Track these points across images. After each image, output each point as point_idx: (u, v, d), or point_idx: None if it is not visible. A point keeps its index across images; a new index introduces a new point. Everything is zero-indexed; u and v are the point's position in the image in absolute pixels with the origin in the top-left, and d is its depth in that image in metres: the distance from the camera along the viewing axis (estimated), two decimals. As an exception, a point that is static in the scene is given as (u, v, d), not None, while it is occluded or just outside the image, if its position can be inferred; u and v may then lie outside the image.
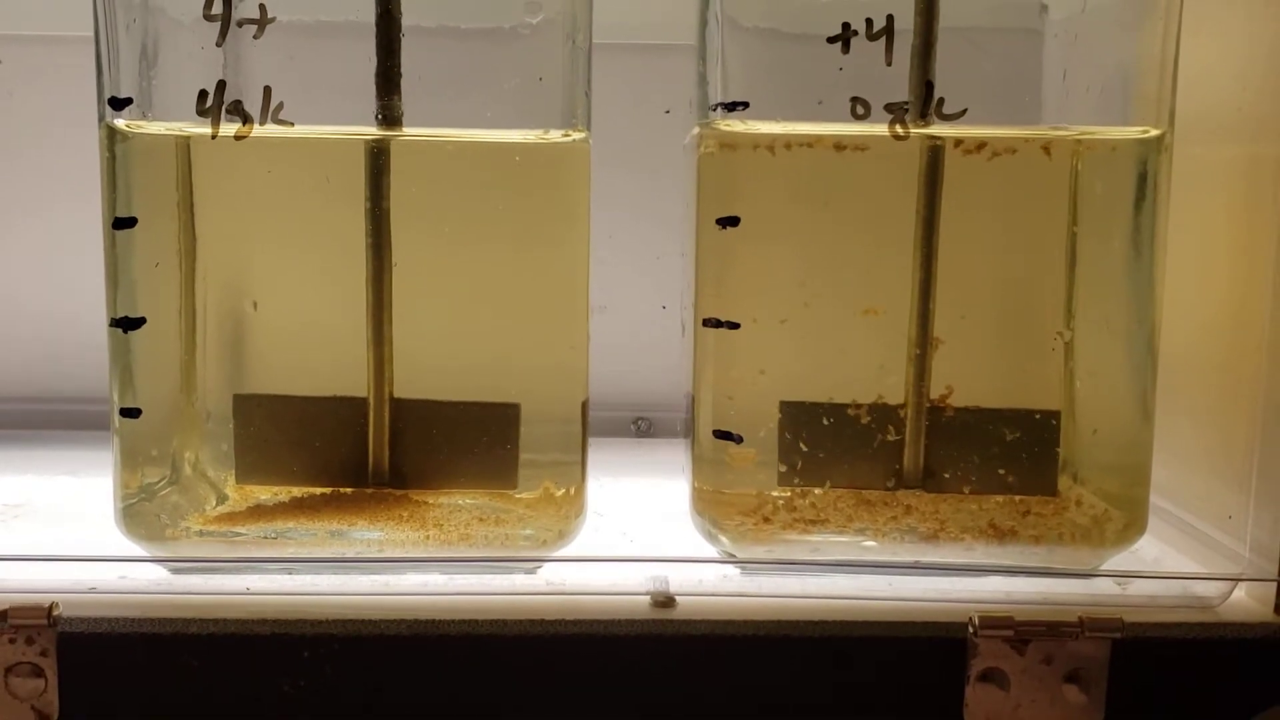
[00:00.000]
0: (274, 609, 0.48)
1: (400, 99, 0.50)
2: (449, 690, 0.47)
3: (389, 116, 0.51)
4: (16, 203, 0.75)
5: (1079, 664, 0.47)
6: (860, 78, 0.51)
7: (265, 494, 0.54)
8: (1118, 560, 0.53)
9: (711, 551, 0.53)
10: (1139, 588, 0.51)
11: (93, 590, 0.49)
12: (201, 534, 0.52)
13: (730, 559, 0.53)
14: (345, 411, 0.54)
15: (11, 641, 0.45)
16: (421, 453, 0.54)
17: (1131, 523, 0.53)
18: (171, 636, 0.46)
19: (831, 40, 0.49)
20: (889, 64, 0.50)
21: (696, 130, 0.52)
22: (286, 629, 0.47)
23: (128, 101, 0.49)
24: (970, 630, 0.47)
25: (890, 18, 0.49)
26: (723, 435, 0.52)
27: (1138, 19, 0.53)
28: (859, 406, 0.55)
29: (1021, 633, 0.47)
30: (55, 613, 0.45)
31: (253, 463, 0.54)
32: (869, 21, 0.49)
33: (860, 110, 0.50)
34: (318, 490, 0.54)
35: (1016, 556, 0.53)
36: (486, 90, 0.51)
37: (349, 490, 0.54)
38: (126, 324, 0.50)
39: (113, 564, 0.50)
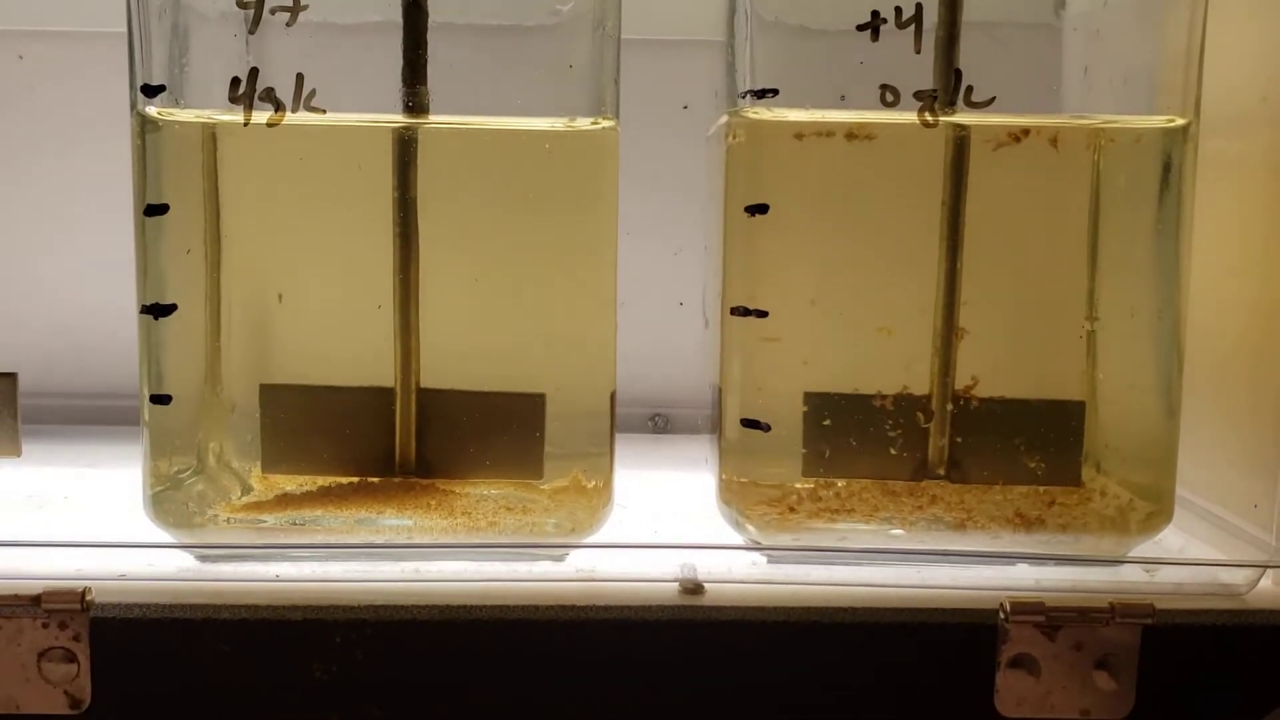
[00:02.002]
0: (304, 595, 0.48)
1: (427, 87, 0.51)
2: (480, 675, 0.47)
3: (416, 105, 0.51)
4: (40, 198, 0.76)
5: (1109, 650, 0.47)
6: (886, 66, 0.51)
7: (291, 484, 0.54)
8: (1145, 550, 0.53)
9: (739, 540, 0.53)
10: (1166, 575, 0.51)
11: (123, 577, 0.49)
12: (229, 521, 0.52)
13: (757, 546, 0.53)
14: (372, 401, 0.54)
15: (44, 626, 0.45)
16: (448, 442, 0.54)
17: (1157, 512, 0.53)
18: (203, 622, 0.46)
19: (861, 28, 0.50)
20: (918, 51, 0.50)
21: (724, 119, 0.53)
22: (318, 614, 0.47)
23: (160, 89, 0.49)
24: (1001, 616, 0.47)
25: (919, 6, 0.50)
26: (750, 424, 0.52)
27: (1163, 8, 0.53)
28: (884, 397, 0.55)
29: (1053, 618, 0.47)
30: (88, 598, 0.45)
31: (279, 452, 0.54)
32: (898, 10, 0.49)
33: (889, 98, 0.50)
34: (344, 480, 0.54)
35: (1043, 545, 0.53)
36: (516, 78, 0.51)
37: (376, 480, 0.54)
38: (157, 310, 0.50)
39: (142, 551, 0.50)
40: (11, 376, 0.58)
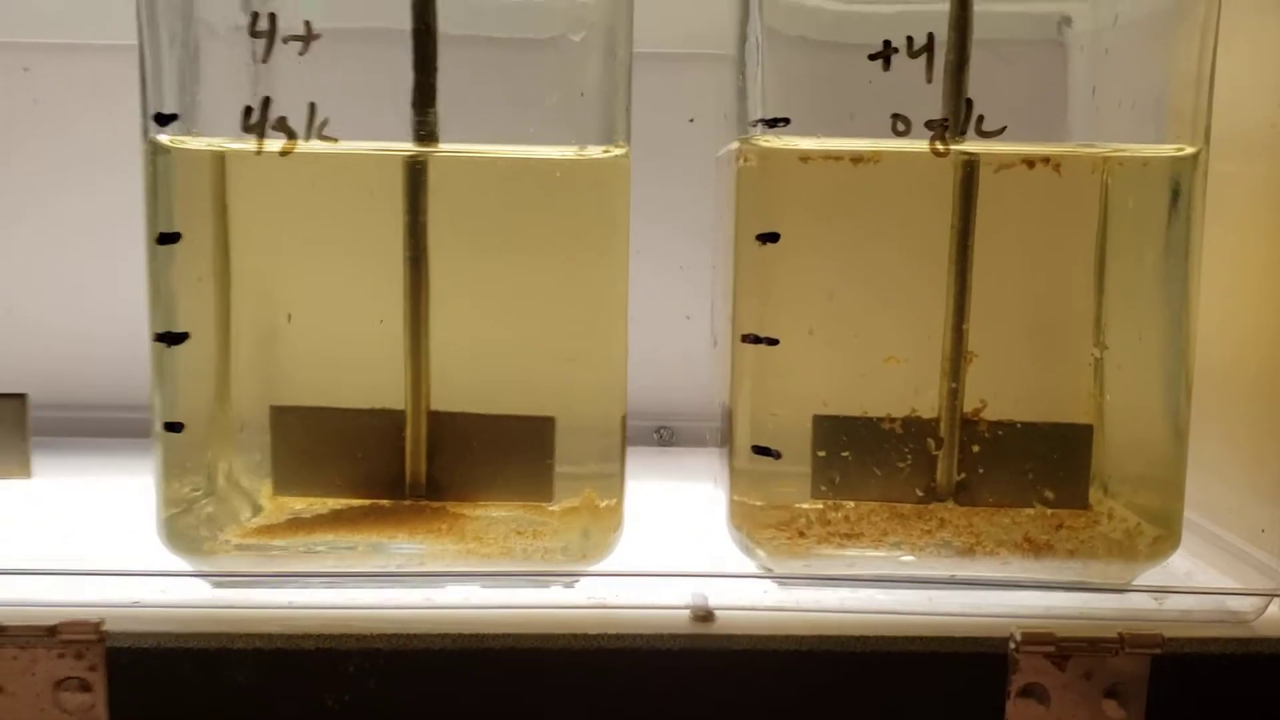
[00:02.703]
0: (318, 623, 0.48)
1: (436, 115, 0.51)
2: (493, 704, 0.48)
3: (426, 132, 0.51)
4: (44, 209, 0.76)
5: (1118, 679, 0.47)
6: (896, 92, 0.51)
7: (301, 504, 0.55)
8: (1152, 575, 0.53)
9: (749, 564, 0.53)
10: (1174, 603, 0.51)
11: (137, 604, 0.49)
12: (240, 547, 0.52)
13: (768, 573, 0.53)
14: (382, 423, 0.54)
15: (60, 656, 0.46)
16: (458, 465, 0.54)
17: (1164, 537, 0.54)
18: (217, 652, 0.47)
19: (873, 57, 0.50)
20: (929, 81, 0.50)
21: (735, 145, 0.53)
22: (331, 644, 0.47)
23: (173, 118, 0.49)
24: (1012, 646, 0.47)
25: (931, 35, 0.50)
26: (761, 451, 0.52)
27: (1172, 32, 0.53)
28: (893, 420, 0.55)
29: (1063, 648, 0.47)
30: (103, 628, 0.46)
31: (290, 474, 0.54)
32: (909, 39, 0.50)
33: (901, 127, 0.50)
34: (355, 502, 0.54)
35: (1052, 570, 0.53)
36: (527, 106, 0.51)
37: (387, 503, 0.54)
38: (170, 339, 0.50)
39: (155, 578, 0.51)
40: (21, 398, 0.59)
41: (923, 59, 0.50)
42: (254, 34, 0.48)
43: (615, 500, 0.53)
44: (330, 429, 0.54)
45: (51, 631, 0.45)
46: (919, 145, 0.51)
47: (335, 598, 0.51)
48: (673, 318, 0.79)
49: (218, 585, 0.51)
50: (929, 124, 0.50)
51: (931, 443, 0.55)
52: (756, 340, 0.52)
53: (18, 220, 0.76)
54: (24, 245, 0.76)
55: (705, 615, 0.50)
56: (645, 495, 0.60)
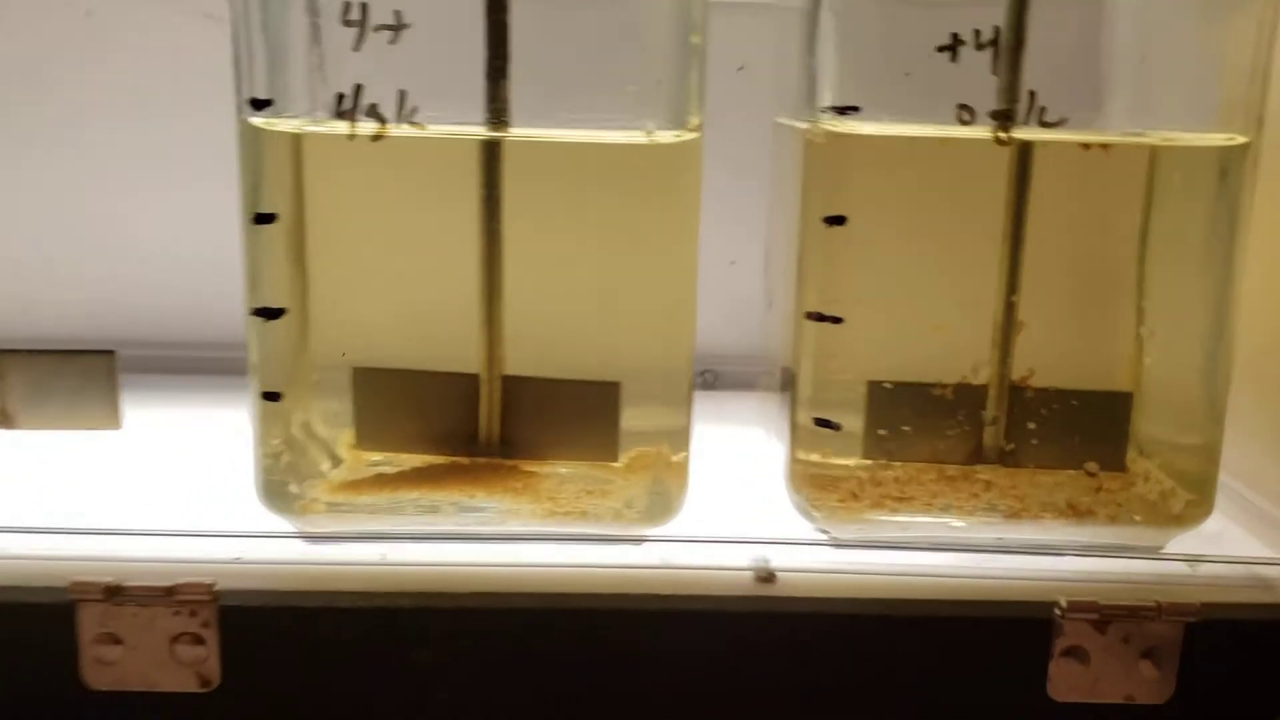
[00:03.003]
0: (411, 581, 0.52)
1: (508, 95, 0.52)
2: (570, 662, 0.51)
3: (499, 110, 0.53)
4: (110, 159, 0.77)
5: (1154, 643, 0.51)
6: (961, 83, 0.53)
7: (378, 456, 0.58)
8: (1186, 538, 0.57)
9: (805, 524, 0.57)
10: (1207, 568, 0.55)
11: (239, 560, 0.53)
12: (332, 505, 0.55)
13: (825, 535, 0.56)
14: (458, 386, 0.57)
15: (176, 614, 0.49)
16: (529, 426, 0.57)
17: (1198, 502, 0.57)
18: (318, 610, 0.50)
19: (941, 49, 0.51)
20: (994, 73, 0.52)
21: (804, 125, 0.55)
22: (425, 602, 0.51)
23: (268, 103, 0.51)
24: (1057, 612, 0.50)
25: (997, 29, 0.51)
26: (822, 423, 0.55)
27: (1226, 17, 0.55)
28: (944, 386, 0.58)
29: (1105, 614, 0.50)
30: (215, 588, 0.49)
31: (370, 430, 0.57)
32: (976, 32, 0.51)
33: (966, 117, 0.52)
34: (432, 459, 0.57)
35: (1091, 535, 0.56)
36: (602, 91, 0.53)
37: (464, 460, 0.57)
38: (267, 313, 0.53)
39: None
40: (110, 354, 0.62)
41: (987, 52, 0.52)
42: (346, 23, 0.50)
43: (682, 457, 0.56)
44: (409, 390, 0.57)
45: (169, 592, 0.49)
46: (982, 133, 0.53)
47: (421, 554, 0.54)
48: (717, 263, 0.81)
49: (312, 540, 0.55)
50: (993, 114, 0.52)
51: (980, 407, 0.58)
52: (820, 318, 0.54)
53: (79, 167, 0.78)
54: (94, 188, 0.78)
55: (768, 576, 0.53)
56: (696, 440, 0.63)
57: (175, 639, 0.49)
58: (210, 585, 0.49)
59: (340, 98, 0.50)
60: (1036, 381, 0.58)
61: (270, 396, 0.53)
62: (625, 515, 0.56)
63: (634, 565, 0.54)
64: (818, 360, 0.55)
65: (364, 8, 0.50)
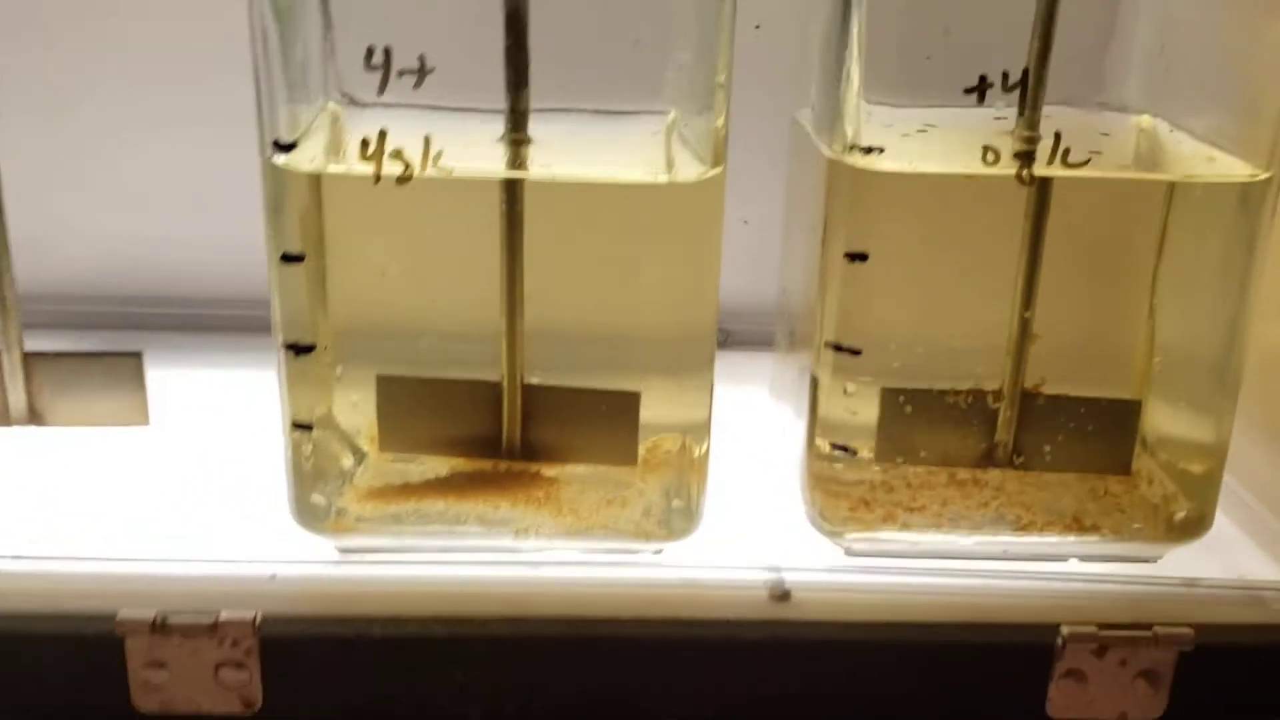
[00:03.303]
0: (440, 601, 0.54)
1: (529, 137, 0.53)
2: (593, 679, 0.54)
3: (518, 158, 0.53)
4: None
5: (1150, 665, 0.54)
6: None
7: (405, 461, 0.59)
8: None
9: (823, 537, 0.59)
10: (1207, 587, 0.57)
11: (274, 578, 0.55)
12: (360, 519, 0.57)
13: (840, 555, 0.58)
14: (480, 393, 0.58)
15: (220, 644, 0.52)
16: (550, 432, 0.59)
17: (1199, 517, 0.59)
18: (354, 638, 0.53)
19: (968, 92, 0.51)
20: (1021, 114, 0.52)
21: (826, 159, 0.54)
22: (459, 628, 0.53)
23: (292, 146, 0.51)
24: (1059, 641, 0.53)
25: (1026, 71, 0.51)
26: (839, 448, 0.57)
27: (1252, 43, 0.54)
28: (959, 394, 0.59)
29: (1103, 642, 0.53)
30: (258, 622, 0.51)
31: (393, 435, 0.59)
32: (1005, 75, 0.51)
33: (990, 158, 0.52)
34: (457, 464, 0.59)
35: (1094, 546, 0.58)
36: (621, 141, 0.53)
37: (487, 466, 0.59)
38: (297, 349, 0.54)
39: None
40: (137, 355, 0.63)
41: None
42: (369, 67, 0.50)
43: (703, 452, 0.58)
44: (431, 397, 0.58)
45: (212, 630, 0.51)
46: (1005, 172, 0.53)
47: (449, 572, 0.56)
48: (729, 221, 0.81)
49: (344, 552, 0.57)
50: (1018, 155, 0.52)
51: (991, 415, 0.59)
52: (839, 349, 0.55)
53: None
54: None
55: (783, 595, 0.55)
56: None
57: (219, 666, 0.52)
58: (252, 620, 0.51)
59: (365, 144, 0.50)
60: (1047, 389, 0.60)
61: (301, 427, 0.55)
62: (646, 526, 0.58)
63: (650, 583, 0.57)
64: (835, 387, 0.56)
65: (387, 52, 0.49)
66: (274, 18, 0.49)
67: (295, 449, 0.55)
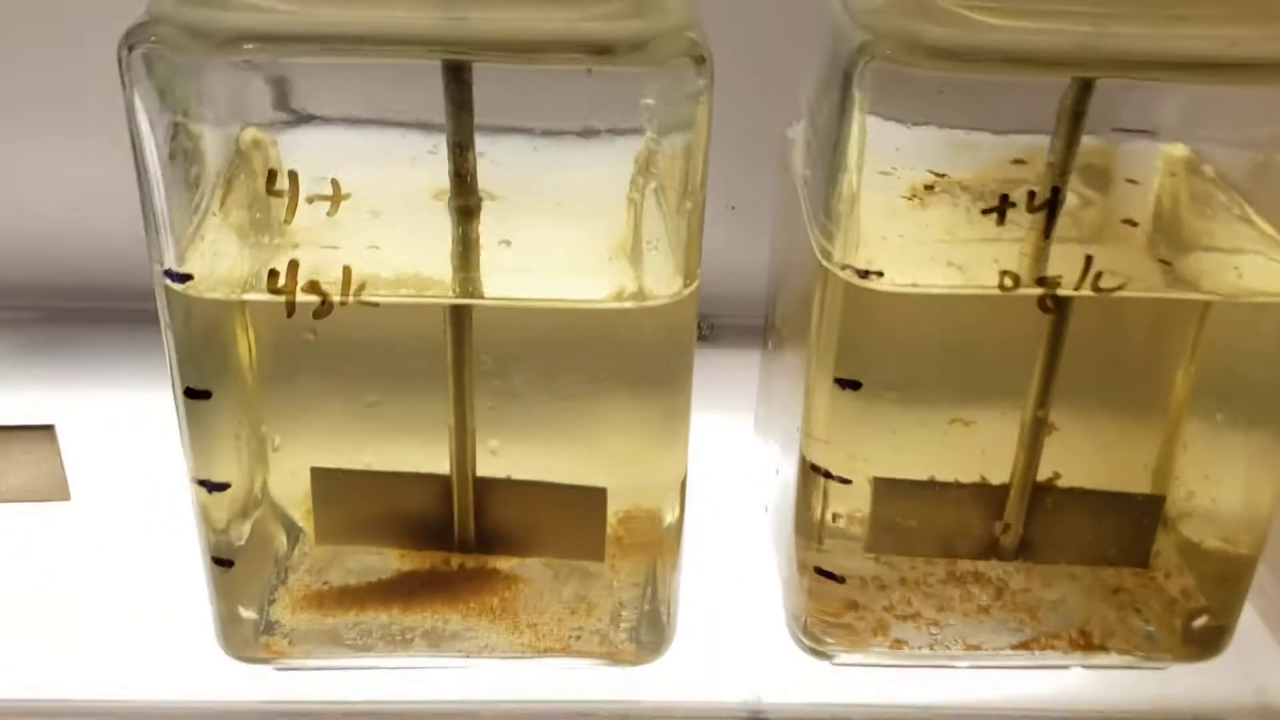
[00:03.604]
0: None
1: (479, 263, 0.45)
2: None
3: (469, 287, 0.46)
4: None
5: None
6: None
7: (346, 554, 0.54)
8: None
9: (807, 655, 0.54)
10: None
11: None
12: (293, 637, 0.52)
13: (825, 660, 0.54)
14: (426, 487, 0.52)
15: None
16: (507, 529, 0.53)
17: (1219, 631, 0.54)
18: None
19: (986, 212, 0.43)
20: (1047, 236, 0.44)
21: (819, 269, 0.47)
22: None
23: (187, 277, 0.43)
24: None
25: (1055, 190, 0.43)
26: (824, 574, 0.51)
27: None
28: (962, 487, 0.54)
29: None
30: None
31: (330, 528, 0.53)
32: (1031, 194, 0.43)
33: (1009, 283, 0.44)
34: (403, 564, 0.54)
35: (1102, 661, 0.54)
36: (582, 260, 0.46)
37: (438, 567, 0.54)
38: (210, 486, 0.48)
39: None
40: (49, 428, 0.57)
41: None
42: (271, 192, 0.42)
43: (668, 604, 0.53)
44: (371, 490, 0.53)
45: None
46: (1026, 295, 0.45)
47: (395, 692, 0.52)
48: (716, 207, 0.74)
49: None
50: (1041, 281, 0.45)
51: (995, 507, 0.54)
52: (828, 475, 0.49)
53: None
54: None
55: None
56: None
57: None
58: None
59: (274, 274, 0.43)
60: (1062, 483, 0.54)
61: (221, 563, 0.49)
62: (613, 641, 0.53)
63: (619, 702, 0.52)
64: (819, 514, 0.50)
65: (293, 175, 0.41)
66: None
67: (217, 580, 0.50)
